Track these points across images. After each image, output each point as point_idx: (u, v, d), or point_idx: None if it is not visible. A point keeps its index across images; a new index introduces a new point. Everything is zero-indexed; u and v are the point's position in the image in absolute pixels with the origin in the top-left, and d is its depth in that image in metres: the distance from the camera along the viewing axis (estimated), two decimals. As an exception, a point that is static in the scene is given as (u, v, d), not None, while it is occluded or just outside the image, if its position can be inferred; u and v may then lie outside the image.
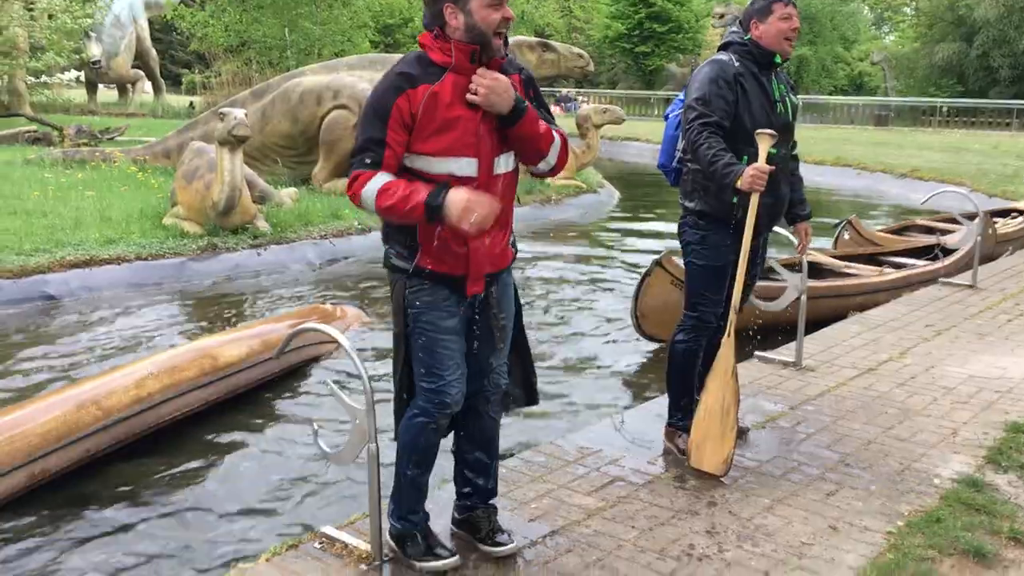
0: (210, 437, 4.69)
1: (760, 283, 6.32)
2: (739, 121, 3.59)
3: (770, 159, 3.54)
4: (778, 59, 3.68)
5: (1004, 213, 10.70)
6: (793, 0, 3.69)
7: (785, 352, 5.31)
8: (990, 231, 9.18)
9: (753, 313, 5.13)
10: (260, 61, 27.70)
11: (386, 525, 2.99)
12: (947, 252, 8.17)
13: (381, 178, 2.63)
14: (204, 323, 6.77)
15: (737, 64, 3.64)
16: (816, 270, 7.50)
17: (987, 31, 35.10)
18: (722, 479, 3.62)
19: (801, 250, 4.18)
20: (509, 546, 3.01)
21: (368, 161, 2.65)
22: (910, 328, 6.10)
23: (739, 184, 3.42)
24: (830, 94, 44.24)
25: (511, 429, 4.85)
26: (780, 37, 3.65)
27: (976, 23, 35.16)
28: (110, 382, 4.49)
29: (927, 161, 18.72)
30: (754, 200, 3.52)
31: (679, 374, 3.92)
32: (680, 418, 3.92)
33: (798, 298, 5.04)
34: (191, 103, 28.81)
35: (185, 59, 42.92)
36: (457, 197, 2.57)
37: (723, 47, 3.76)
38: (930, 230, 9.89)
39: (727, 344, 3.64)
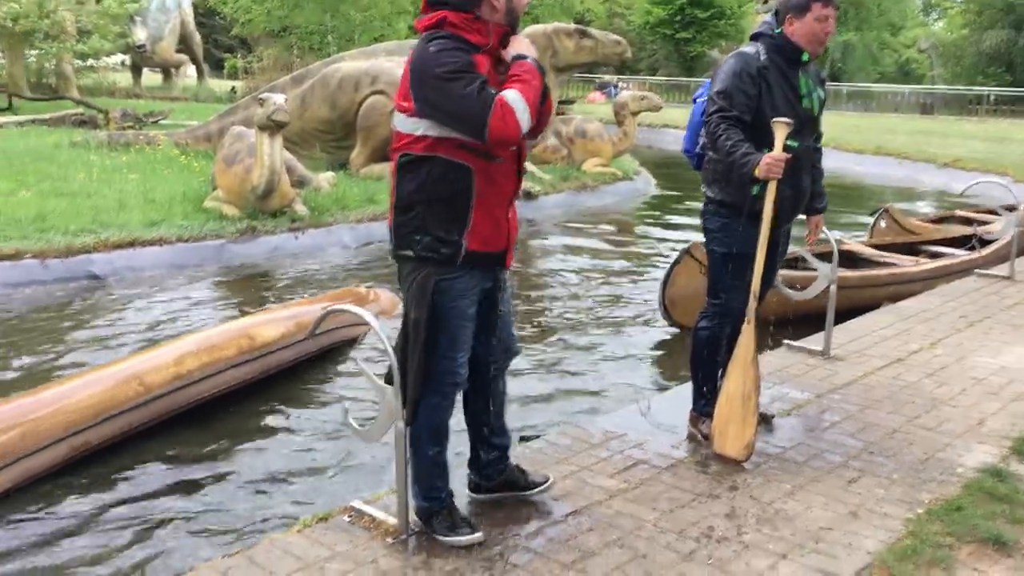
0: (246, 414, 4.82)
1: (793, 272, 6.36)
2: (761, 115, 3.60)
3: (792, 151, 3.56)
4: (806, 57, 3.67)
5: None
6: (836, 1, 3.65)
7: (814, 341, 5.32)
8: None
9: (785, 302, 5.14)
10: (301, 47, 27.96)
11: (412, 503, 3.08)
12: (984, 243, 8.08)
13: (507, 92, 2.70)
14: (242, 304, 6.92)
15: (764, 58, 3.64)
16: (852, 259, 7.47)
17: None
18: (744, 464, 3.67)
19: (810, 241, 4.17)
20: (549, 480, 3.38)
21: (491, 89, 2.69)
22: (943, 319, 6.07)
23: (756, 172, 3.46)
24: (876, 81, 43.55)
25: (538, 411, 4.94)
26: (812, 37, 3.63)
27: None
28: (151, 359, 4.64)
29: (971, 151, 18.42)
30: (771, 188, 3.55)
31: (702, 361, 3.97)
32: (704, 404, 3.97)
33: (828, 287, 5.04)
34: (233, 88, 29.13)
35: (228, 44, 43.33)
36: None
37: (753, 37, 3.76)
38: (969, 221, 9.77)
39: (747, 331, 3.68)
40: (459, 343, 2.93)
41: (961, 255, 7.85)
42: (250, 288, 7.57)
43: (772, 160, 3.46)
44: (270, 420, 4.78)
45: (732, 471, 3.64)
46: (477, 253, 2.86)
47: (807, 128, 3.73)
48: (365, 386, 5.03)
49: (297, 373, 5.41)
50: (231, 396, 4.92)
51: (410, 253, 2.87)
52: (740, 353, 3.67)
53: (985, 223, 9.23)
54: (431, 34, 2.82)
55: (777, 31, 3.68)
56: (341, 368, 5.58)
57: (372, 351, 5.77)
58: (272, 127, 8.35)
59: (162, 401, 4.49)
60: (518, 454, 3.73)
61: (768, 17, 3.77)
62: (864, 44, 46.06)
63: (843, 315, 5.74)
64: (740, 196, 3.68)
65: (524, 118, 2.69)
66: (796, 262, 6.57)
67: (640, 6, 46.39)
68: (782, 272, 6.30)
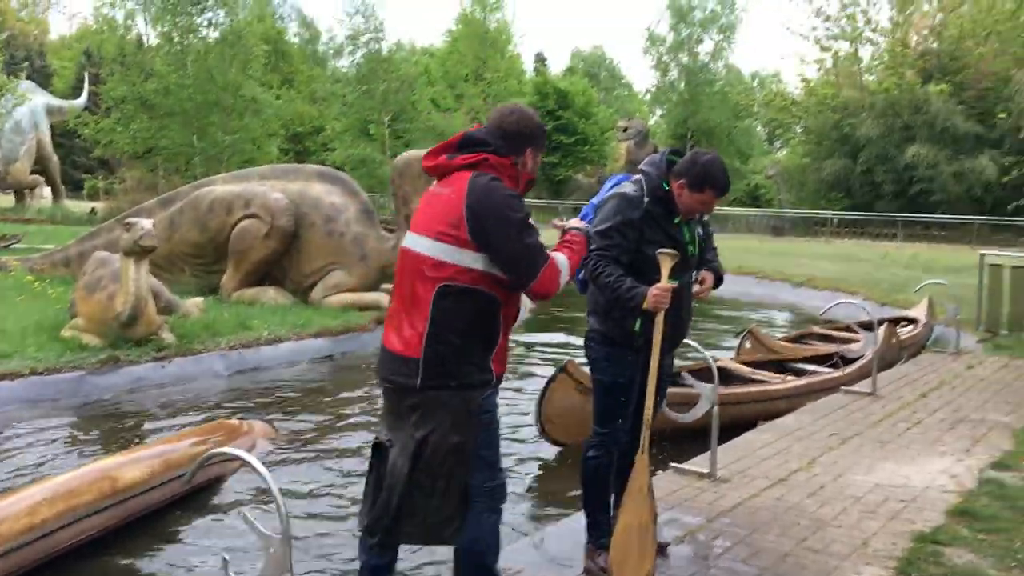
0: (108, 566, 4.43)
1: (673, 389, 6.46)
2: (643, 254, 3.68)
3: (673, 290, 3.61)
4: (676, 220, 3.78)
5: (896, 321, 11.20)
6: (727, 192, 3.80)
7: (700, 463, 5.37)
8: (894, 340, 9.61)
9: (662, 419, 5.19)
10: (167, 168, 27.51)
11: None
12: (846, 360, 8.48)
13: (557, 255, 3.15)
14: (104, 442, 6.47)
15: (647, 201, 3.72)
16: (725, 376, 7.67)
17: (870, 148, 37.38)
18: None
19: (699, 294, 3.98)
20: None
21: (547, 252, 3.06)
22: (816, 437, 6.26)
23: (644, 304, 3.52)
24: (729, 205, 46.16)
25: (420, 550, 4.74)
26: (690, 210, 3.77)
27: (859, 141, 37.44)
28: (1, 509, 4.22)
29: (822, 271, 19.57)
30: (659, 319, 3.59)
31: (593, 490, 3.93)
32: (599, 536, 3.90)
33: (711, 408, 5.13)
34: (93, 209, 28.26)
35: (87, 164, 42.23)
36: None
37: (640, 170, 3.84)
38: (827, 338, 10.29)
39: (640, 461, 3.66)
40: (499, 456, 3.12)
41: (827, 372, 8.20)
42: (112, 423, 7.09)
43: (658, 291, 3.52)
44: (138, 570, 4.40)
45: (632, 606, 3.54)
46: (499, 376, 3.09)
47: (687, 267, 3.83)
48: (244, 529, 4.74)
49: (165, 516, 5.04)
50: (94, 544, 4.52)
51: (453, 383, 2.96)
52: (635, 483, 3.64)
53: (844, 340, 9.73)
54: (486, 174, 3.00)
55: (665, 186, 3.75)
56: (215, 509, 5.24)
57: (250, 490, 5.45)
58: (139, 252, 8.05)
59: (15, 556, 4.06)
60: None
61: (659, 158, 3.83)
62: (717, 170, 48.89)
63: (720, 431, 5.82)
64: (622, 332, 3.74)
65: (563, 280, 3.09)
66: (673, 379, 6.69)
67: (507, 132, 47.99)
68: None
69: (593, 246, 3.66)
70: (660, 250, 3.60)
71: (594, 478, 3.91)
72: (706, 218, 4.05)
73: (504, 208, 2.93)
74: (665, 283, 3.56)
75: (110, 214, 19.85)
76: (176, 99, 27.69)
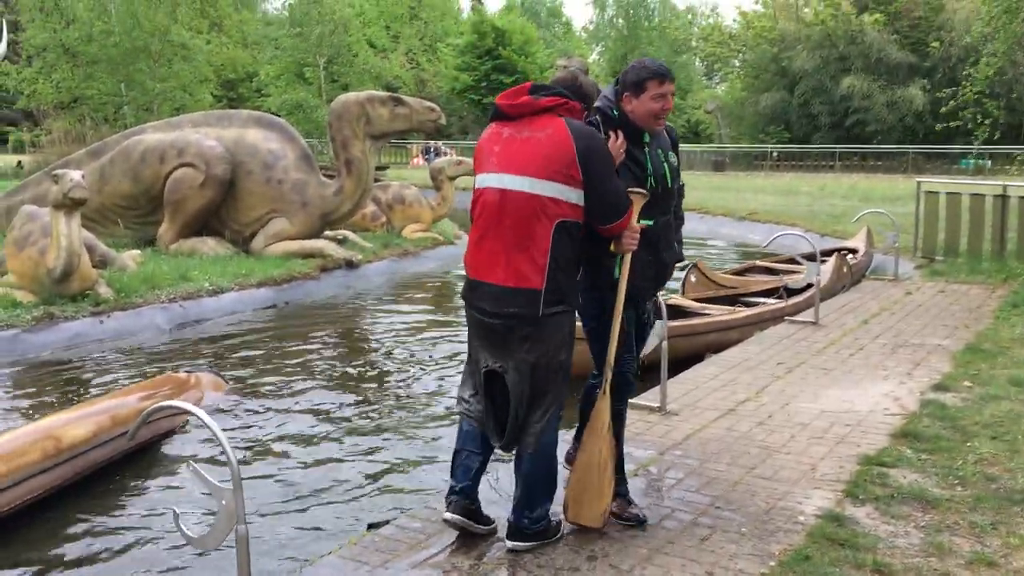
0: (56, 526, 4.34)
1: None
2: None
3: (649, 230, 3.53)
4: (646, 137, 3.58)
5: (838, 251, 11.38)
6: (670, 75, 3.53)
7: (650, 397, 5.41)
8: (844, 269, 9.78)
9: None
10: (94, 118, 26.58)
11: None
12: (791, 292, 8.60)
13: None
14: (44, 401, 6.31)
15: (601, 135, 3.51)
16: (673, 312, 7.73)
17: (807, 81, 37.72)
18: (601, 531, 3.63)
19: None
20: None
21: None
22: (763, 367, 6.36)
23: (611, 247, 3.44)
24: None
25: (385, 495, 4.74)
26: (649, 115, 3.52)
27: (796, 74, 37.74)
28: (-62, 474, 4.10)
29: (763, 204, 19.80)
30: (626, 260, 3.50)
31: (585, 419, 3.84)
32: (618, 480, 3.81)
33: (660, 343, 5.16)
34: (19, 163, 27.29)
35: (11, 117, 40.65)
36: None
37: (592, 110, 3.58)
38: (770, 271, 10.43)
39: (602, 400, 3.65)
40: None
41: (772, 303, 8.32)
42: (51, 382, 6.91)
43: (628, 233, 3.41)
44: (89, 529, 4.31)
45: (590, 540, 3.58)
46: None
47: (662, 202, 3.63)
48: (193, 482, 4.68)
49: (114, 473, 4.94)
50: (41, 504, 4.42)
51: (566, 307, 3.32)
52: (595, 422, 3.64)
53: (786, 272, 9.87)
54: (574, 118, 3.32)
55: (614, 111, 3.56)
56: (166, 464, 5.15)
57: (201, 443, 5.37)
58: (69, 205, 7.78)
59: (-46, 521, 3.96)
60: (366, 543, 3.54)
61: (607, 89, 3.65)
62: (654, 107, 49.03)
63: (670, 365, 5.88)
64: (599, 275, 3.59)
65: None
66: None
67: (447, 72, 47.43)
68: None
69: None
70: (629, 189, 3.45)
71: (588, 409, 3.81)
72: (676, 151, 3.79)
73: (607, 151, 3.33)
74: (633, 223, 3.43)
75: (37, 167, 19.16)
76: (101, 46, 26.64)
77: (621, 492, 3.78)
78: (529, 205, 3.18)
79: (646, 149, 3.59)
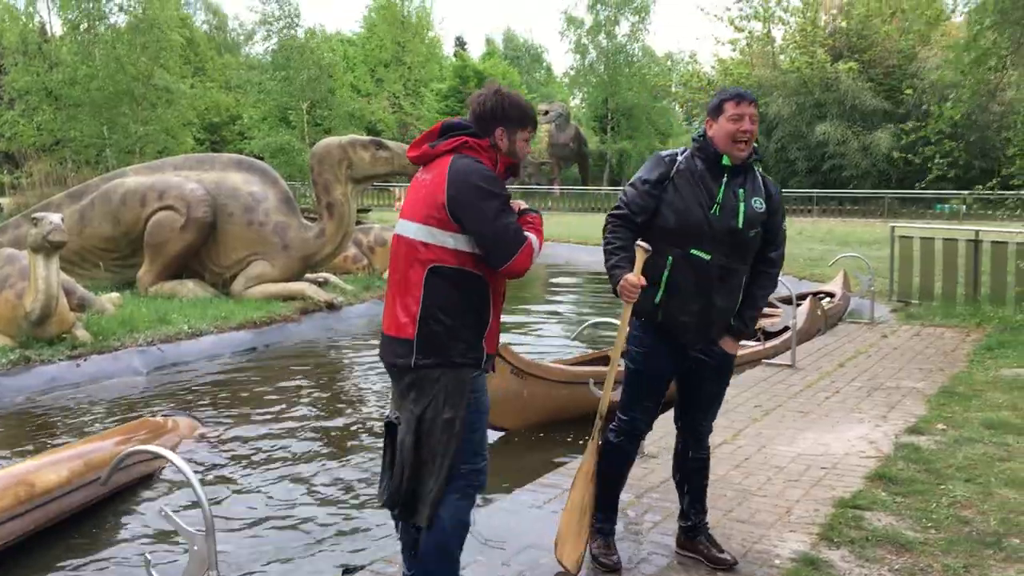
0: (32, 571, 4.28)
1: (596, 368, 6.52)
2: (663, 219, 3.43)
3: (704, 264, 3.39)
4: (726, 161, 3.44)
5: (815, 295, 11.50)
6: (749, 98, 3.46)
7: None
8: (819, 312, 9.87)
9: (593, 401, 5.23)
10: (76, 160, 26.60)
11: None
12: (768, 335, 8.67)
13: (532, 238, 3.08)
14: (18, 446, 6.24)
15: (681, 160, 3.49)
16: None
17: (783, 127, 38.25)
18: (576, 576, 3.62)
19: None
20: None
21: (524, 234, 3.04)
22: (740, 409, 6.39)
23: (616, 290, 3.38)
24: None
25: (353, 535, 4.71)
26: (729, 139, 3.42)
27: (773, 120, 38.27)
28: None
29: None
30: (625, 310, 3.46)
31: (605, 475, 3.71)
32: (600, 519, 3.77)
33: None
34: (-1, 205, 27.09)
35: (-8, 158, 40.50)
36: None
37: (693, 138, 3.58)
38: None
39: (591, 447, 3.65)
40: (484, 441, 3.14)
41: (750, 346, 8.39)
42: (26, 427, 6.84)
43: (625, 282, 3.33)
44: (56, 577, 4.26)
45: (565, 585, 3.57)
46: (489, 356, 3.12)
47: (727, 241, 3.41)
48: (167, 528, 4.63)
49: (85, 518, 4.89)
50: (12, 552, 4.36)
51: (445, 361, 3.01)
52: (584, 467, 3.65)
53: (763, 315, 9.95)
54: (467, 156, 3.06)
55: (700, 135, 3.53)
56: (140, 509, 5.10)
57: (176, 489, 5.32)
58: (48, 248, 7.77)
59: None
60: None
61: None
62: (638, 151, 49.59)
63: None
64: (642, 302, 3.43)
65: (535, 261, 3.08)
66: (605, 360, 6.76)
67: (430, 116, 47.81)
68: (589, 369, 6.48)
69: (616, 203, 3.55)
70: (637, 242, 3.38)
71: (607, 464, 3.69)
72: (773, 193, 3.59)
73: (479, 188, 2.98)
74: (636, 275, 3.35)
75: (17, 210, 19.09)
76: (84, 89, 26.77)
77: (605, 531, 3.77)
78: (407, 250, 3.04)
79: (724, 178, 3.45)
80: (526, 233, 3.04)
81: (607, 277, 3.47)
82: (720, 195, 3.42)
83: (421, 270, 3.00)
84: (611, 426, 3.75)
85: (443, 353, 3.00)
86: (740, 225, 3.42)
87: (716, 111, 3.48)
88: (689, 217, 3.39)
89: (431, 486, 3.01)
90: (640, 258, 3.37)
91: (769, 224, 3.54)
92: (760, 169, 3.68)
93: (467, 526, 3.13)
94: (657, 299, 3.45)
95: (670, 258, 3.41)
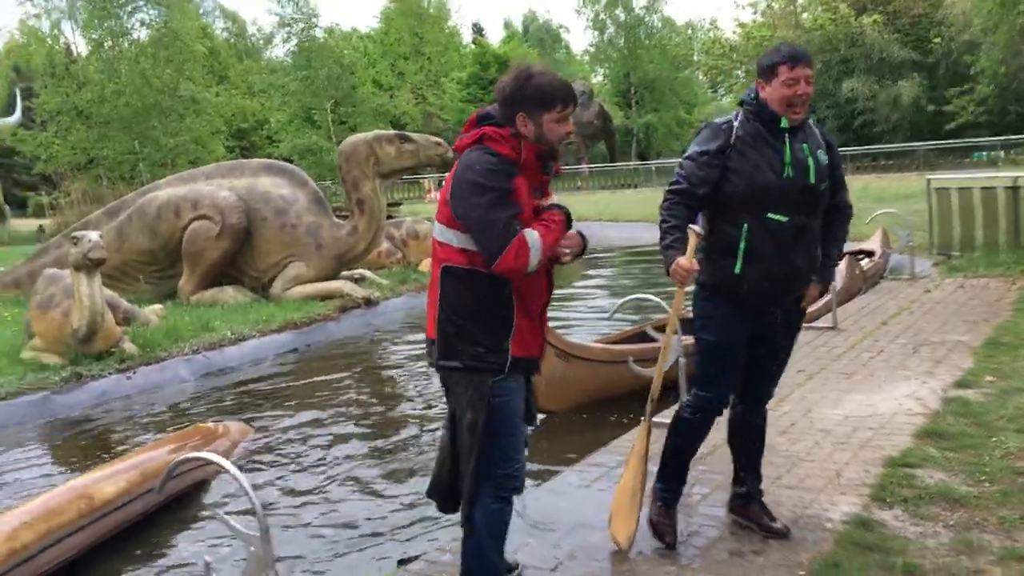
0: (93, 583, 4.41)
1: (638, 346, 6.50)
2: (731, 186, 3.33)
3: (781, 227, 3.31)
4: (784, 123, 3.35)
5: (855, 254, 11.36)
6: (804, 59, 3.32)
7: (670, 415, 5.40)
8: (857, 272, 9.75)
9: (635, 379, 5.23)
10: (111, 177, 27.04)
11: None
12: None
13: (530, 232, 2.84)
14: (76, 459, 6.40)
15: (737, 126, 3.38)
16: (686, 326, 7.74)
17: (812, 85, 37.72)
18: (628, 554, 3.65)
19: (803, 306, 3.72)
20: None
21: (516, 226, 2.81)
22: (783, 375, 6.33)
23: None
24: (680, 155, 46.45)
25: (408, 529, 4.78)
26: (783, 103, 3.31)
27: (801, 80, 37.73)
28: (-23, 539, 4.17)
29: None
30: (677, 293, 3.43)
31: (674, 450, 3.72)
32: (664, 489, 3.76)
33: (678, 360, 5.17)
34: (40, 227, 27.68)
35: (29, 181, 41.31)
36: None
37: (742, 101, 3.49)
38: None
39: (643, 427, 3.66)
40: (515, 443, 3.01)
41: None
42: (83, 441, 7.01)
43: (677, 266, 3.24)
44: (122, 586, 4.38)
45: (619, 561, 3.60)
46: (519, 359, 2.95)
47: (801, 200, 3.36)
48: (225, 532, 4.73)
49: (144, 527, 5.01)
50: (70, 567, 4.48)
51: (457, 364, 2.92)
52: (636, 447, 3.67)
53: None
54: (483, 147, 2.92)
55: (752, 97, 3.41)
56: (197, 516, 5.21)
57: (230, 495, 5.43)
58: (89, 265, 7.92)
59: (-5, 584, 4.03)
60: (399, 580, 3.58)
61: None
62: (664, 123, 49.17)
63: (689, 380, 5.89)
64: (721, 275, 3.40)
65: (535, 259, 2.83)
66: (642, 337, 6.75)
67: (453, 105, 47.83)
68: (632, 347, 6.47)
69: (674, 177, 3.43)
70: (689, 226, 3.30)
71: (678, 439, 3.68)
72: (830, 142, 3.55)
73: (473, 182, 2.82)
74: (687, 260, 3.24)
75: (59, 230, 19.48)
76: (112, 106, 27.17)
77: (668, 501, 3.76)
78: (434, 249, 3.01)
79: (786, 138, 3.36)
80: (527, 230, 2.84)
81: (661, 256, 3.37)
82: (788, 155, 3.34)
83: (437, 269, 2.96)
84: (686, 402, 3.72)
85: (458, 356, 2.92)
86: (813, 180, 3.36)
87: (769, 73, 3.34)
88: (761, 181, 3.30)
89: (464, 484, 3.00)
90: (693, 242, 3.29)
91: (834, 176, 3.51)
92: (813, 119, 3.59)
93: (502, 530, 3.10)
94: (737, 269, 3.35)
95: (745, 225, 3.32)
